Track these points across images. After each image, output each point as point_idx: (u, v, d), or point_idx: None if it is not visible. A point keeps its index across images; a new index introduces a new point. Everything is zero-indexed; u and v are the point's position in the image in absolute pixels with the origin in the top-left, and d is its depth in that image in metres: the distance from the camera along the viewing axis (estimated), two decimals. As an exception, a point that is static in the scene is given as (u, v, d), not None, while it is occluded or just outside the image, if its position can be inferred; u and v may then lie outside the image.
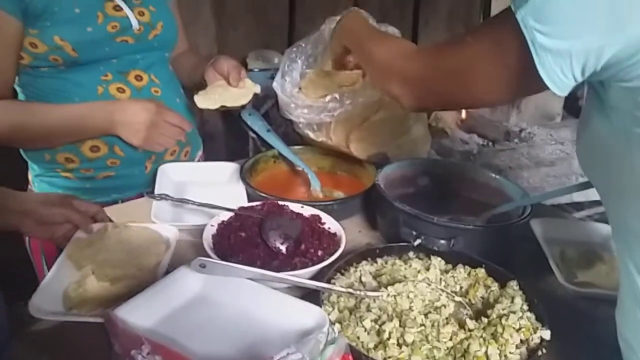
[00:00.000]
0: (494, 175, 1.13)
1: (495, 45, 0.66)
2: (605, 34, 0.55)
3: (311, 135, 1.22)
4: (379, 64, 0.87)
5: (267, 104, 2.05)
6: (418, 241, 0.90)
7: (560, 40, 0.58)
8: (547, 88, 0.61)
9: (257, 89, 1.24)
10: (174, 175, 1.19)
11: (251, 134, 1.36)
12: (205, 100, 1.19)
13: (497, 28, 0.65)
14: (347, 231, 0.97)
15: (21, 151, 1.21)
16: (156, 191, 1.10)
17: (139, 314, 0.72)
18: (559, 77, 0.59)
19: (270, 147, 1.29)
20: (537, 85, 0.61)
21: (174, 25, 1.27)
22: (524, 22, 0.59)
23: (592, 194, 1.02)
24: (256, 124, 1.32)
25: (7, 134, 1.08)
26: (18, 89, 1.16)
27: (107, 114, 1.09)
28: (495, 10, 4.36)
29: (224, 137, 2.34)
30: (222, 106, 1.19)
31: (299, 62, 1.23)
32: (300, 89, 1.20)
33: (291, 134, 1.56)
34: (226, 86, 1.23)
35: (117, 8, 1.12)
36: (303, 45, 1.27)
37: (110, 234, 0.96)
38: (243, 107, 1.26)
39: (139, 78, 1.18)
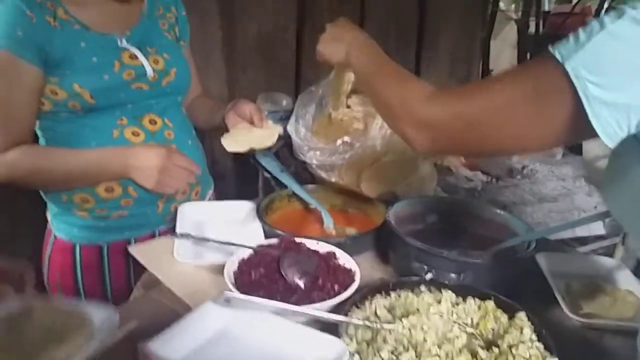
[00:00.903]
0: (498, 211, 1.18)
1: (535, 93, 0.63)
2: None
3: (324, 175, 1.28)
4: (393, 106, 0.81)
5: (278, 144, 2.12)
6: (429, 275, 0.95)
7: (617, 92, 0.57)
8: (593, 137, 0.60)
9: (280, 129, 1.29)
10: (192, 214, 1.24)
11: (265, 174, 1.42)
12: (233, 143, 1.24)
13: (537, 75, 0.63)
14: (360, 266, 1.02)
15: (40, 191, 1.27)
16: (177, 230, 1.15)
17: (170, 348, 0.76)
18: (614, 130, 0.58)
19: (284, 186, 1.35)
20: (584, 135, 0.61)
21: (187, 71, 1.34)
22: (575, 73, 0.58)
23: (595, 229, 1.07)
24: (270, 165, 1.38)
25: (27, 177, 1.14)
26: (39, 133, 1.22)
27: (122, 159, 1.15)
28: (494, 51, 4.49)
29: (234, 177, 2.41)
30: (251, 148, 1.25)
31: (312, 106, 1.30)
32: (312, 132, 1.27)
33: (302, 173, 1.62)
34: (249, 128, 1.29)
35: (133, 56, 1.19)
36: (314, 89, 1.35)
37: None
38: (269, 148, 1.31)
39: (152, 122, 1.24)
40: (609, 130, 0.58)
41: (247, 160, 1.79)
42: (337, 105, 1.31)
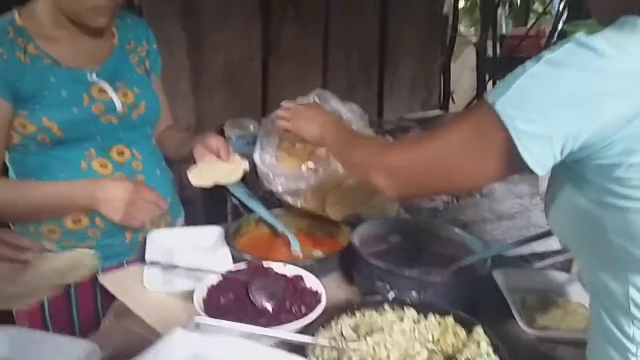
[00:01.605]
0: (457, 230, 1.24)
1: (475, 134, 0.71)
2: (580, 120, 0.62)
3: (290, 201, 1.32)
4: (361, 163, 0.92)
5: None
6: (392, 294, 1.00)
7: (540, 125, 0.64)
8: (529, 170, 0.67)
9: (246, 165, 1.31)
10: (162, 241, 1.26)
11: (234, 200, 1.45)
12: (199, 177, 1.26)
13: (476, 118, 0.71)
14: (327, 288, 1.06)
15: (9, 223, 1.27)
16: (147, 258, 1.17)
17: (141, 374, 0.78)
18: (541, 159, 0.65)
19: (252, 212, 1.38)
20: (519, 167, 0.68)
21: (157, 104, 1.35)
22: (503, 112, 0.65)
23: (551, 245, 1.13)
24: (238, 191, 1.41)
25: (5, 213, 1.15)
26: (8, 165, 1.23)
27: (89, 192, 1.15)
28: (454, 74, 4.64)
29: (202, 202, 2.42)
30: (215, 183, 1.27)
31: (274, 134, 1.34)
32: (277, 159, 1.31)
33: (270, 199, 1.66)
34: (216, 162, 1.30)
35: (103, 91, 1.21)
36: (274, 116, 1.39)
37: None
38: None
39: (121, 153, 1.26)
40: (538, 159, 0.65)
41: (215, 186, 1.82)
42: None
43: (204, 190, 2.10)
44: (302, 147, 1.35)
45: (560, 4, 4.11)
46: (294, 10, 2.65)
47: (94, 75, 1.21)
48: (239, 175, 1.30)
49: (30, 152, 1.18)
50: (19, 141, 1.16)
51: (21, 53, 1.13)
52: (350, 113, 1.32)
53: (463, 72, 5.75)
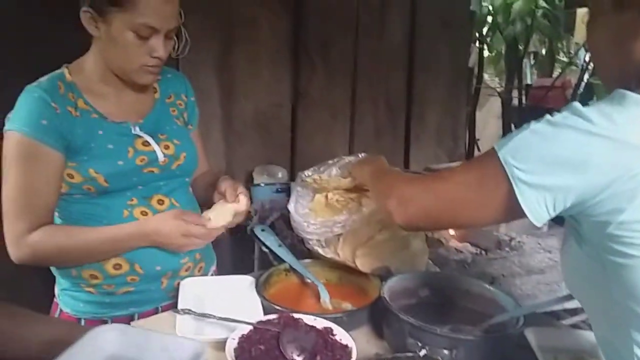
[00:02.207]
0: (487, 286, 1.23)
1: (481, 177, 0.80)
2: (569, 177, 0.70)
3: (320, 251, 1.34)
4: (383, 189, 1.00)
5: (273, 216, 2.19)
6: (423, 352, 0.99)
7: (534, 175, 0.72)
8: (526, 217, 0.74)
9: (247, 206, 1.31)
10: (193, 289, 1.28)
11: (264, 248, 1.48)
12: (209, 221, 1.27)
13: (483, 163, 0.80)
14: (356, 341, 1.05)
15: (51, 267, 1.31)
16: (179, 306, 1.19)
17: None
18: (536, 208, 0.73)
19: (282, 260, 1.40)
20: (518, 213, 0.74)
21: (195, 154, 1.40)
22: (504, 160, 0.74)
23: (570, 303, 1.13)
24: (268, 239, 1.44)
25: (51, 256, 1.20)
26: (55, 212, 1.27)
27: (144, 236, 1.21)
28: (480, 122, 4.68)
29: (230, 249, 2.45)
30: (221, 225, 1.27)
31: (309, 187, 1.38)
32: (310, 210, 1.34)
33: (298, 245, 1.68)
34: (224, 204, 1.29)
35: (146, 143, 1.26)
36: (311, 173, 1.42)
37: None
38: (248, 221, 1.37)
39: (160, 202, 1.30)
40: (533, 208, 0.73)
41: (244, 233, 1.84)
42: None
43: (233, 234, 2.14)
44: (334, 202, 1.37)
45: (585, 56, 4.15)
46: (323, 61, 2.74)
47: (137, 128, 1.26)
48: (240, 218, 1.30)
49: (74, 200, 1.23)
50: (66, 190, 1.21)
51: (72, 107, 1.19)
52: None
53: (488, 120, 5.80)
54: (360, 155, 1.37)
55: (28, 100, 1.16)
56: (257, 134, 2.63)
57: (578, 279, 0.82)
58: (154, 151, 1.27)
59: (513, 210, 0.75)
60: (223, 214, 1.29)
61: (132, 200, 1.26)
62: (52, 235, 1.19)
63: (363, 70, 2.84)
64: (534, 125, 0.74)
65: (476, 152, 4.28)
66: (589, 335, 1.18)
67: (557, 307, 1.40)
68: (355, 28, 2.77)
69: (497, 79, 6.44)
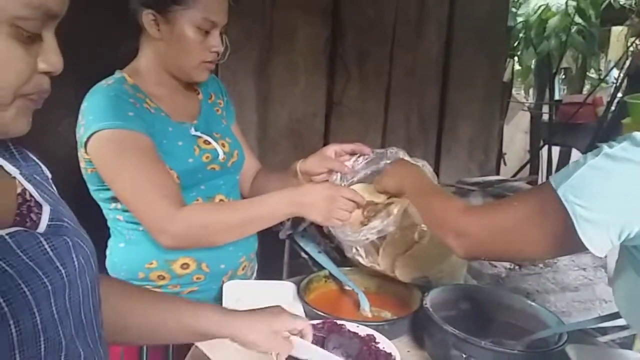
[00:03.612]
0: (529, 302, 1.23)
1: (539, 212, 0.79)
2: (633, 212, 0.69)
3: (360, 260, 1.35)
4: (436, 218, 1.01)
5: (305, 222, 2.20)
6: (467, 362, 1.00)
7: (597, 213, 0.71)
8: (587, 249, 0.73)
9: None
10: (238, 292, 1.30)
11: (303, 254, 1.50)
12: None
13: (540, 198, 0.79)
14: (398, 351, 1.07)
15: (113, 269, 1.30)
16: (223, 306, 1.22)
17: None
18: (598, 242, 0.72)
19: (321, 267, 1.42)
20: (578, 247, 0.74)
21: (243, 152, 1.44)
22: (565, 197, 0.73)
23: (615, 320, 1.14)
24: (308, 246, 1.47)
25: (209, 231, 1.19)
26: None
27: (292, 198, 1.20)
28: (507, 136, 4.65)
29: (259, 253, 2.48)
30: None
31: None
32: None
33: (331, 252, 1.69)
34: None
35: (207, 142, 1.30)
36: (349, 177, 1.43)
37: None
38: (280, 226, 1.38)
39: (221, 201, 1.34)
40: (595, 243, 0.72)
41: (274, 237, 1.86)
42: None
43: (262, 238, 2.16)
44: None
45: (620, 74, 4.11)
46: (358, 71, 2.76)
47: (193, 129, 1.30)
48: None
49: None
50: None
51: (146, 104, 1.23)
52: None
53: (515, 134, 5.76)
54: (391, 152, 1.33)
55: (105, 99, 1.17)
56: (291, 141, 2.66)
57: (631, 304, 0.81)
58: (215, 149, 1.31)
59: (573, 245, 0.74)
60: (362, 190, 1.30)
61: (198, 199, 1.29)
62: (202, 210, 1.21)
63: (397, 83, 2.86)
64: (593, 160, 0.73)
65: (502, 166, 4.25)
66: (630, 355, 1.18)
67: (590, 324, 1.39)
68: (391, 41, 2.79)
69: (523, 93, 6.41)
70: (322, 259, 1.43)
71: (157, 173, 1.16)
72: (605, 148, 0.73)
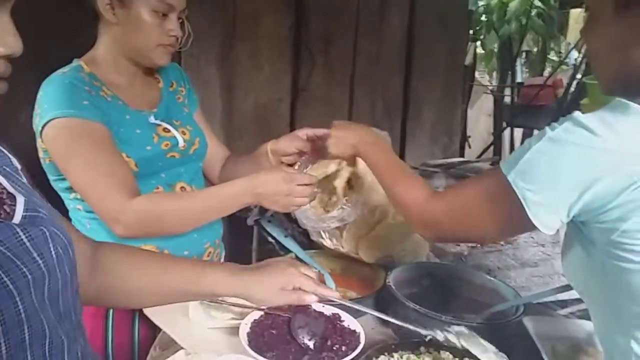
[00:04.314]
0: (489, 277, 1.28)
1: (492, 197, 0.83)
2: (578, 191, 0.72)
3: (325, 243, 1.38)
4: (402, 206, 1.04)
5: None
6: (429, 337, 1.04)
7: (545, 195, 0.75)
8: (537, 229, 0.78)
9: None
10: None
11: (270, 239, 1.52)
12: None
13: (492, 184, 0.83)
14: (362, 328, 1.10)
15: None
16: (190, 292, 1.23)
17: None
18: (548, 222, 0.76)
19: (288, 251, 1.44)
20: (530, 227, 0.78)
21: (205, 139, 1.44)
22: (514, 183, 0.77)
23: (574, 293, 1.19)
24: (274, 230, 1.48)
25: (160, 221, 1.18)
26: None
27: (250, 190, 1.19)
28: (471, 119, 4.74)
29: (227, 238, 2.49)
30: None
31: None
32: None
33: (298, 237, 1.71)
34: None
35: (166, 130, 1.30)
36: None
37: None
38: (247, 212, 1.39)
39: (183, 189, 1.34)
40: (545, 223, 0.76)
41: (242, 223, 1.87)
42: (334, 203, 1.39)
43: (229, 223, 2.17)
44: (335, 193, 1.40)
45: (579, 55, 4.22)
46: (323, 57, 2.77)
47: (153, 117, 1.30)
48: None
49: None
50: None
51: (102, 92, 1.22)
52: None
53: (479, 117, 5.88)
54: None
55: (60, 88, 1.16)
56: (257, 127, 2.66)
57: (579, 277, 0.86)
58: (175, 137, 1.31)
59: (525, 225, 0.78)
60: (320, 167, 1.31)
61: (158, 188, 1.29)
62: (155, 200, 1.20)
63: (362, 69, 2.89)
64: (537, 145, 0.76)
65: (467, 149, 4.34)
66: (585, 324, 1.24)
67: (553, 298, 1.45)
68: (355, 27, 2.82)
69: (487, 76, 6.52)
70: (289, 243, 1.44)
71: (110, 162, 1.16)
72: (548, 131, 0.75)
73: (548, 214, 0.75)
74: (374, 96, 2.98)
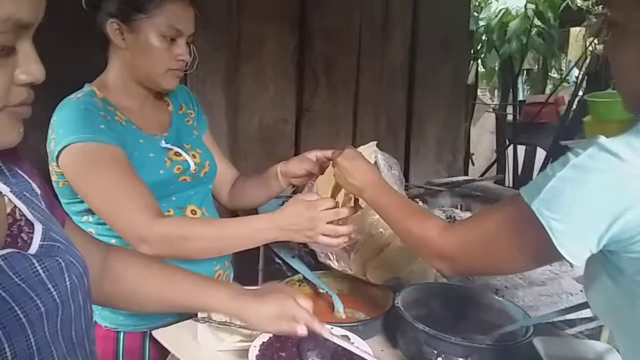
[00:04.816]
0: (497, 297, 1.28)
1: (515, 228, 0.79)
2: (608, 219, 0.69)
3: (332, 265, 1.38)
4: (416, 241, 0.99)
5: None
6: (439, 359, 1.04)
7: (573, 225, 0.71)
8: (565, 259, 0.74)
9: None
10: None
11: (277, 259, 1.52)
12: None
13: (514, 213, 0.79)
14: (372, 350, 1.10)
15: None
16: (199, 315, 1.23)
17: None
18: (578, 253, 0.73)
19: (295, 271, 1.44)
20: (556, 258, 0.74)
21: (214, 161, 1.45)
22: (539, 212, 0.73)
23: (582, 312, 1.18)
24: (282, 251, 1.49)
25: (184, 245, 1.16)
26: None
27: (276, 224, 1.17)
28: (474, 136, 4.76)
29: (234, 259, 2.49)
30: None
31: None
32: None
33: (304, 257, 1.71)
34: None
35: (177, 154, 1.31)
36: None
37: None
38: None
39: (193, 212, 1.34)
40: (574, 254, 0.73)
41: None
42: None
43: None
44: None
45: (580, 73, 4.25)
46: (326, 78, 2.80)
47: (163, 142, 1.31)
48: None
49: None
50: None
51: (116, 117, 1.24)
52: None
53: (482, 134, 5.90)
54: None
55: (75, 113, 1.17)
56: (262, 148, 2.67)
57: (605, 305, 0.83)
58: (186, 160, 1.32)
59: (552, 256, 0.75)
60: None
61: (169, 211, 1.29)
62: (182, 223, 1.21)
63: (365, 88, 2.91)
64: (561, 172, 0.72)
65: (470, 166, 4.35)
66: (595, 345, 1.23)
67: (561, 318, 1.44)
68: (357, 47, 2.85)
69: (488, 95, 6.57)
70: (296, 264, 1.45)
71: (132, 184, 1.16)
72: (572, 158, 0.72)
73: (576, 244, 0.72)
74: (378, 114, 3.00)
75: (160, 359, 1.30)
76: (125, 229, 1.16)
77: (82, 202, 1.20)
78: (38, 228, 0.62)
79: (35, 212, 0.64)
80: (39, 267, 0.58)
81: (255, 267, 2.31)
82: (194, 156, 1.35)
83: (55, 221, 0.68)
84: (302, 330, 0.98)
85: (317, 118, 2.79)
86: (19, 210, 0.62)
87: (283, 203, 2.16)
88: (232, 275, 1.51)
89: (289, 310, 0.97)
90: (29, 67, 0.56)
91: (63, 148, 1.14)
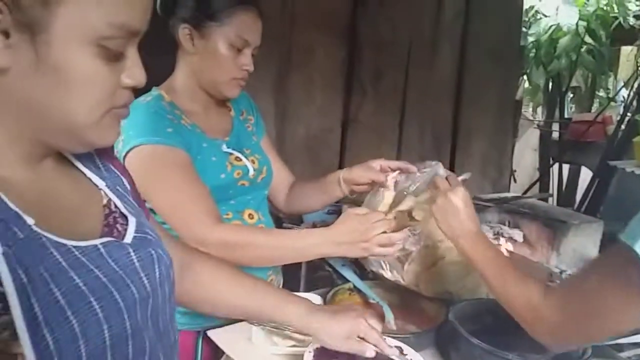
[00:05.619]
0: (552, 316, 1.26)
1: (621, 277, 0.74)
2: None
3: (385, 274, 1.38)
4: (518, 313, 0.98)
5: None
6: (496, 374, 1.02)
7: None
8: None
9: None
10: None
11: (327, 267, 1.53)
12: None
13: (617, 262, 0.74)
14: (425, 362, 1.10)
15: None
16: (253, 317, 1.25)
17: None
18: None
19: (345, 280, 1.45)
20: None
21: (271, 167, 1.48)
22: None
23: (632, 337, 1.15)
24: (332, 259, 1.49)
25: (242, 250, 1.19)
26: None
27: (330, 239, 1.20)
28: (516, 152, 4.68)
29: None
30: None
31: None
32: None
33: (350, 266, 1.71)
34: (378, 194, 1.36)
35: (238, 158, 1.35)
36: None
37: None
38: None
39: (251, 216, 1.37)
40: None
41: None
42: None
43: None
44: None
45: (629, 93, 4.15)
46: (373, 89, 2.82)
47: (225, 146, 1.34)
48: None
49: None
50: None
51: (182, 121, 1.28)
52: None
53: (525, 151, 5.79)
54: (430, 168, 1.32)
55: (145, 115, 1.21)
56: (307, 156, 2.70)
57: None
58: (246, 165, 1.35)
59: None
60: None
61: (228, 214, 1.32)
62: (241, 230, 1.26)
63: (411, 100, 2.92)
64: None
65: (512, 183, 4.27)
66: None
67: (612, 342, 1.41)
68: (406, 60, 2.86)
69: (531, 111, 6.46)
70: (347, 272, 1.46)
71: (196, 188, 1.20)
72: None
73: None
74: (423, 127, 3.00)
75: (213, 358, 1.33)
76: (186, 231, 1.19)
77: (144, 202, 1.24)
78: (132, 220, 0.65)
79: (127, 206, 0.68)
80: (134, 256, 0.61)
81: (297, 274, 2.33)
82: (252, 162, 1.38)
83: (144, 216, 0.71)
84: (370, 353, 1.00)
85: (362, 129, 2.81)
86: (114, 203, 0.66)
87: (328, 212, 2.18)
88: (282, 281, 1.53)
89: (360, 330, 0.99)
90: (134, 71, 0.61)
91: (131, 149, 1.18)
